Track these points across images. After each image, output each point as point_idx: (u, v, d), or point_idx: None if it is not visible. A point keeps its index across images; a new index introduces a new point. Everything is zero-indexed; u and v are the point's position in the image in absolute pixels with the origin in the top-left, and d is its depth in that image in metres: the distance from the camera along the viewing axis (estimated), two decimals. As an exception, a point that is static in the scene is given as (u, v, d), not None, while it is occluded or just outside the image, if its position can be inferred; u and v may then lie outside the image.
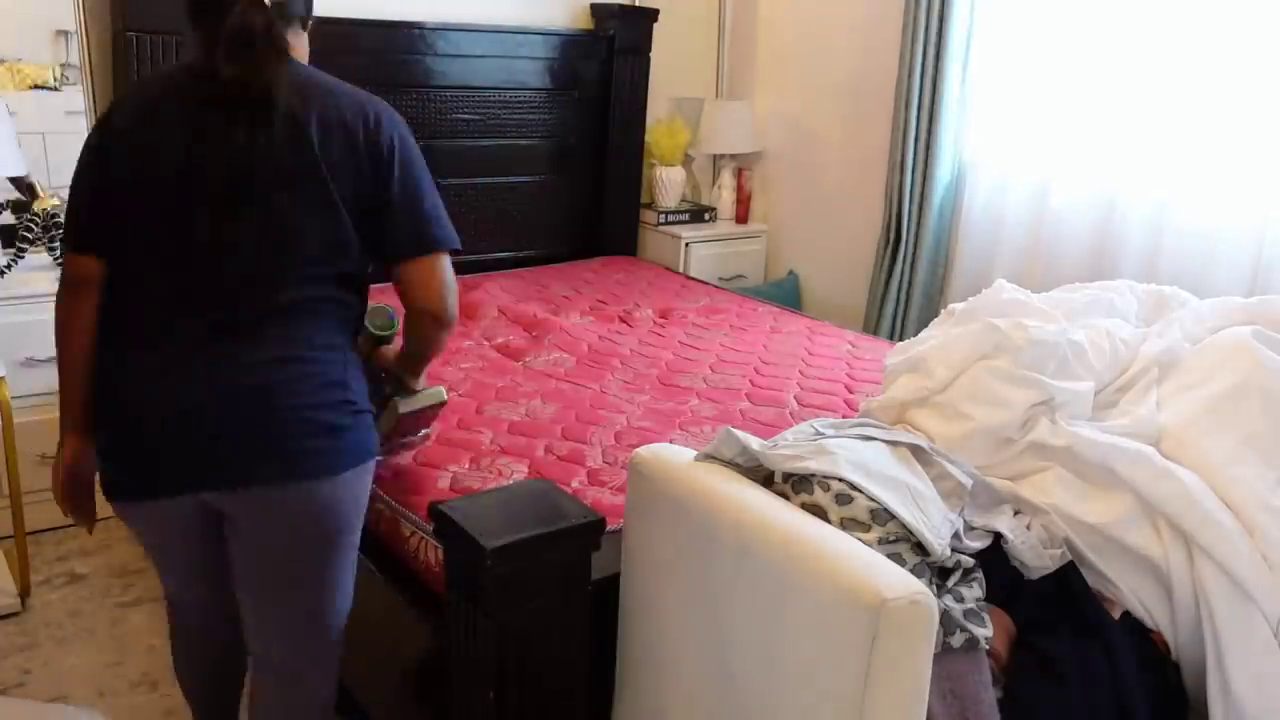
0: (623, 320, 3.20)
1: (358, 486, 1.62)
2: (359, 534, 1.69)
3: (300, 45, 1.66)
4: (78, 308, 1.58)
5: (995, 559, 1.64)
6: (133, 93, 1.69)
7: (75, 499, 1.70)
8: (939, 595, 1.49)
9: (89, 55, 3.00)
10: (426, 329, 1.69)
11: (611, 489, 2.01)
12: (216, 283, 1.54)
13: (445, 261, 1.65)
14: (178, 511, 1.61)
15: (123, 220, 1.54)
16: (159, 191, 1.53)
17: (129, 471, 1.58)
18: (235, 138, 1.50)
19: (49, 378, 2.89)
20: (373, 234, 1.60)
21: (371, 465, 1.65)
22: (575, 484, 2.04)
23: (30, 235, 3.05)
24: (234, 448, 1.52)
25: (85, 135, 1.64)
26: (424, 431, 2.05)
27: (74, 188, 1.60)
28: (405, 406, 1.86)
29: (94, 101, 3.03)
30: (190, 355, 1.53)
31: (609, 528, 1.62)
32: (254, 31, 1.50)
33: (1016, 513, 1.75)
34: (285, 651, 1.73)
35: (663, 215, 4.08)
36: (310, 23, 1.70)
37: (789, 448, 1.61)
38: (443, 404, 1.94)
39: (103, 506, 1.70)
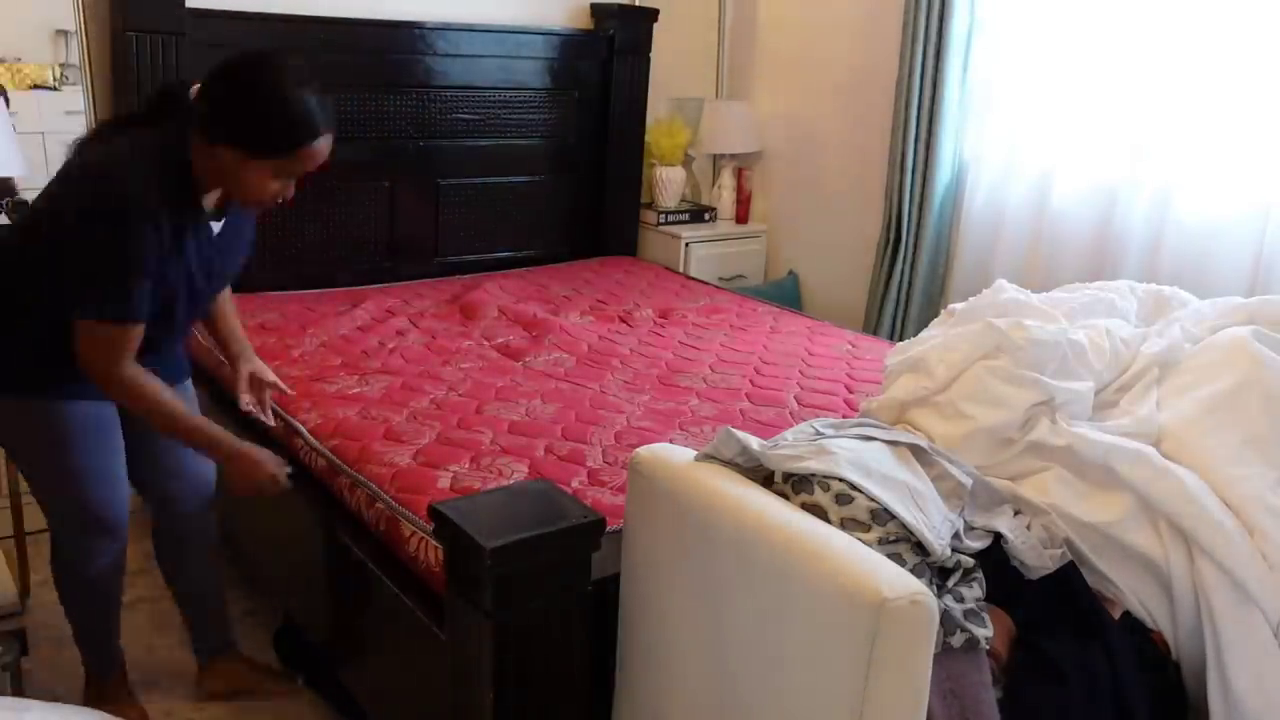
0: (623, 320, 3.20)
1: None
2: None
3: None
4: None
5: (995, 559, 1.64)
6: None
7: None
8: (939, 595, 1.49)
9: (89, 55, 3.00)
10: None
11: (611, 489, 2.01)
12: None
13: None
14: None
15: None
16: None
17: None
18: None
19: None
20: None
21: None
22: (575, 484, 2.04)
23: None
24: None
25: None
26: None
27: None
28: None
29: (94, 101, 3.03)
30: None
31: (609, 528, 1.62)
32: None
33: (1016, 513, 1.75)
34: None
35: (663, 215, 4.08)
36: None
37: (789, 448, 1.60)
38: None
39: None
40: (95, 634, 2.26)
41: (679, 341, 3.01)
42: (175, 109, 1.87)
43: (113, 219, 1.76)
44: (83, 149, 1.90)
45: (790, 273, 4.14)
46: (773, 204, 4.21)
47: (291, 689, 2.42)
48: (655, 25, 3.91)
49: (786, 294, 3.99)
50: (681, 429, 2.35)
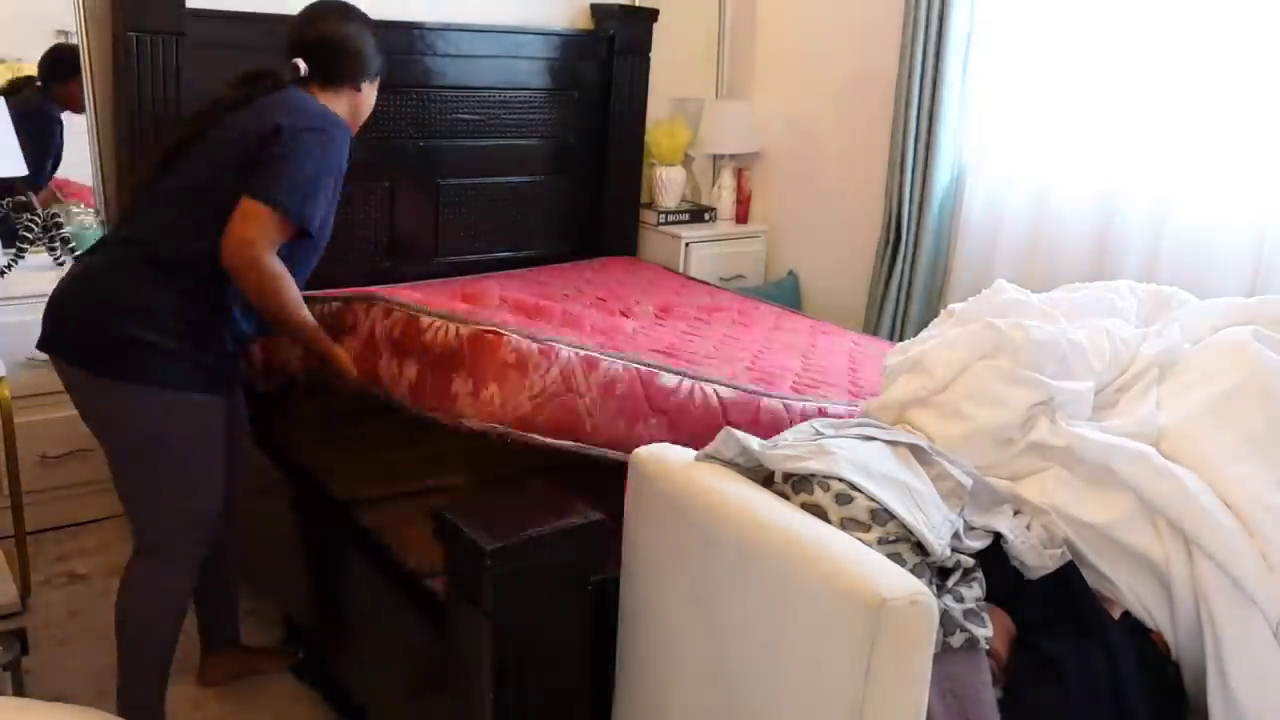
0: (623, 314, 3.19)
1: None
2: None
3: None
4: None
5: (995, 559, 1.64)
6: None
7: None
8: (939, 595, 1.49)
9: (89, 55, 3.00)
10: None
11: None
12: None
13: None
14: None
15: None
16: None
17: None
18: None
19: (49, 378, 2.89)
20: None
21: None
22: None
23: (30, 235, 3.05)
24: None
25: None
26: None
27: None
28: None
29: (94, 101, 3.03)
30: None
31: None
32: None
33: (1016, 513, 1.75)
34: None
35: (663, 215, 4.08)
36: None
37: (789, 448, 1.61)
38: None
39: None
40: (158, 669, 2.14)
41: (681, 332, 2.99)
42: (270, 82, 2.11)
43: (325, 131, 2.04)
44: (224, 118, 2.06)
45: (790, 273, 4.14)
46: (773, 204, 4.21)
47: (291, 681, 2.42)
48: (655, 25, 3.91)
49: (786, 294, 3.99)
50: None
